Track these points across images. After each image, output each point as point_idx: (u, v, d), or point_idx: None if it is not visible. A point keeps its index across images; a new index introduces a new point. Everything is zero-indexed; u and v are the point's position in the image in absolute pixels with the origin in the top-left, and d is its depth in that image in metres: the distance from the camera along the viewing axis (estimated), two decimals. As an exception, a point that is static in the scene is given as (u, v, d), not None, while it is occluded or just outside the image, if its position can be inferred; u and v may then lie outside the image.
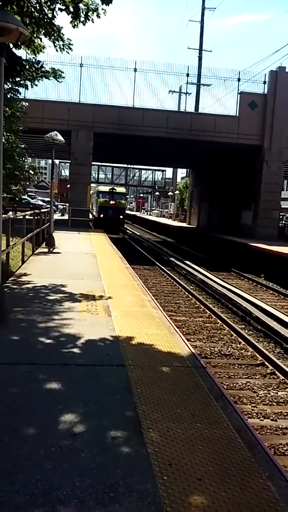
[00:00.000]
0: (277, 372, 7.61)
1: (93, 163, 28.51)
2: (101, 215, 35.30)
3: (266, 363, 8.05)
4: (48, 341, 5.27)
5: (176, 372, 4.53)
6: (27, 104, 15.19)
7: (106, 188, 38.65)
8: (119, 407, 3.70)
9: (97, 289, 8.46)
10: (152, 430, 3.31)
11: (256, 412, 6.11)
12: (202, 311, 11.85)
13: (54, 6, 10.40)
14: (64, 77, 14.82)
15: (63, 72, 13.99)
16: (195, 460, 2.98)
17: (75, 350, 5.02)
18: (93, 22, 10.34)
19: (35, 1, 10.39)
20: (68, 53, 11.80)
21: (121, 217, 36.44)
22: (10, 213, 12.56)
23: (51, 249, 14.42)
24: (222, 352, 8.51)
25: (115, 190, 37.55)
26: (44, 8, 10.44)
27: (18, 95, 14.77)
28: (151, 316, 6.78)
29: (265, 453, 3.21)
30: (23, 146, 16.52)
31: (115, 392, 3.98)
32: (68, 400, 3.75)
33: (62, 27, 11.07)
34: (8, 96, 13.86)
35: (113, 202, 35.58)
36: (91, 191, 33.80)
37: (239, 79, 25.73)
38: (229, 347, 8.90)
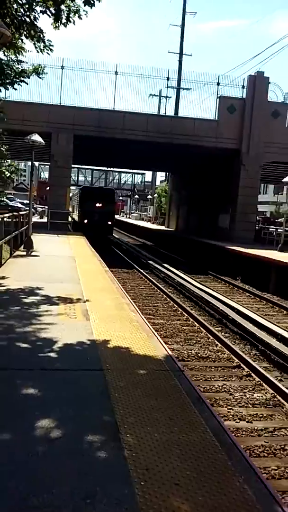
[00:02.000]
0: (253, 374, 7.70)
1: (73, 165, 28.38)
2: (85, 221, 29.92)
3: (242, 365, 8.13)
4: (25, 345, 5.22)
5: (154, 376, 4.55)
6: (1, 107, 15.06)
7: (91, 189, 34.79)
8: (96, 411, 3.69)
9: (76, 293, 8.42)
10: (129, 435, 3.31)
11: (232, 414, 6.17)
12: (179, 314, 11.90)
13: (35, 8, 10.37)
14: (46, 73, 14.72)
15: (44, 67, 13.88)
16: (172, 464, 2.99)
17: (53, 354, 5.00)
18: (74, 24, 10.33)
19: (16, 4, 10.34)
20: (48, 54, 11.77)
21: (109, 223, 30.60)
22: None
23: (30, 252, 14.30)
24: (199, 355, 8.56)
25: (103, 190, 33.19)
26: (26, 10, 10.40)
27: None
28: (129, 320, 6.78)
29: (242, 455, 3.25)
30: (3, 148, 16.36)
31: (93, 396, 3.97)
32: (45, 405, 3.72)
33: (43, 30, 11.04)
34: None
35: (100, 204, 30.10)
36: (72, 193, 33.27)
37: (218, 83, 25.98)
38: (206, 349, 8.96)
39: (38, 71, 13.56)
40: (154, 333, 6.32)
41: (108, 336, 5.78)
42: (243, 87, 25.83)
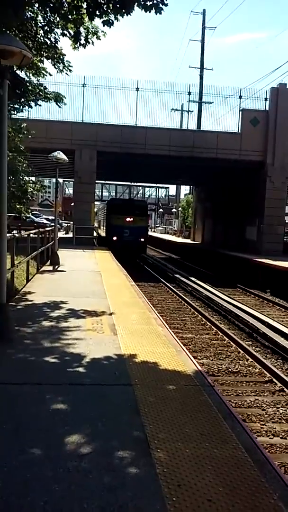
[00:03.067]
0: (285, 389, 7.53)
1: (96, 181, 28.68)
2: (114, 238, 26.62)
3: (274, 380, 7.97)
4: (54, 360, 5.24)
5: (183, 391, 4.49)
6: (25, 124, 15.41)
7: (120, 201, 31.91)
8: (126, 427, 3.65)
9: (102, 307, 8.43)
10: (160, 450, 3.26)
11: (265, 430, 6.03)
12: (208, 328, 11.78)
13: (55, 30, 10.61)
14: (65, 104, 15.02)
15: (65, 97, 14.21)
16: (204, 480, 2.93)
17: (81, 369, 4.99)
18: (93, 44, 10.51)
19: (36, 26, 10.61)
20: (67, 74, 12.04)
21: (142, 240, 27.29)
22: (15, 231, 12.61)
23: (56, 267, 14.44)
24: (230, 370, 8.43)
25: (134, 202, 30.07)
26: (46, 32, 10.65)
27: (14, 113, 14.92)
28: (157, 334, 6.74)
29: (275, 472, 3.16)
30: (25, 164, 16.68)
31: (122, 411, 3.94)
32: (74, 421, 3.71)
33: (64, 53, 11.30)
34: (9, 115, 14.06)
35: (131, 219, 26.95)
36: (97, 208, 33.05)
37: (240, 96, 26.05)
38: (237, 364, 8.82)
39: (57, 99, 13.84)
40: (182, 348, 6.26)
41: (136, 350, 5.75)
42: (265, 99, 25.84)
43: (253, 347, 10.12)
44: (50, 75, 13.09)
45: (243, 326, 12.11)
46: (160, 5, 7.87)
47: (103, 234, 29.24)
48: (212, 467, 3.09)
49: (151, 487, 2.82)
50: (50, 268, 14.33)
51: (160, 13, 7.94)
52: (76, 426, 3.59)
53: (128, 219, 26.81)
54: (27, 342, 5.98)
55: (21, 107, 13.91)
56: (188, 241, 40.19)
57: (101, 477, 2.90)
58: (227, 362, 8.92)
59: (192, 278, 20.05)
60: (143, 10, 7.92)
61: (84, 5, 8.82)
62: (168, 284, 18.63)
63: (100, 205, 43.10)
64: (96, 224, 36.66)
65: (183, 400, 4.25)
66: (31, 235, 12.78)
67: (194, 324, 12.18)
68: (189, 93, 27.11)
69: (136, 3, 7.89)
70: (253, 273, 20.96)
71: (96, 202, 31.59)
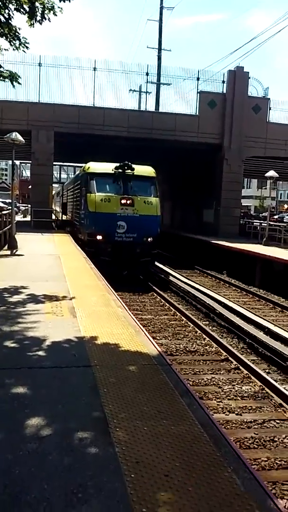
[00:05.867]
0: (241, 367, 7.79)
1: (54, 163, 28.19)
2: (98, 236, 15.65)
3: (230, 358, 8.22)
4: (13, 344, 5.21)
5: (142, 371, 4.57)
6: None
7: (107, 167, 16.52)
8: (86, 408, 3.71)
9: (62, 291, 8.41)
10: (119, 429, 3.34)
11: (221, 407, 6.24)
12: (167, 309, 11.96)
13: (8, 5, 10.25)
14: (20, 84, 14.64)
15: (19, 77, 13.85)
16: (161, 456, 3.03)
17: (41, 352, 4.99)
18: (49, 21, 10.24)
19: None
20: (24, 51, 11.66)
21: (149, 240, 16.22)
22: None
23: (14, 251, 14.22)
24: (187, 349, 8.63)
25: (131, 170, 16.28)
26: (0, 8, 10.28)
27: None
28: (116, 316, 6.80)
29: (230, 447, 3.29)
30: None
31: (82, 393, 3.98)
32: (34, 404, 3.73)
33: (19, 28, 10.94)
34: None
35: (129, 201, 15.90)
36: (55, 190, 30.86)
37: (198, 78, 26.03)
38: (194, 343, 9.03)
39: (13, 78, 13.45)
40: (141, 329, 6.34)
41: (95, 332, 5.79)
42: (223, 82, 25.97)
43: (210, 327, 10.37)
44: (6, 50, 12.68)
45: (200, 307, 12.36)
46: None
47: (80, 233, 18.47)
48: (169, 444, 3.19)
49: (110, 466, 2.89)
50: (8, 252, 14.09)
51: None
52: (36, 409, 3.61)
53: (123, 201, 15.85)
54: (-15, 327, 5.91)
55: None
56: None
57: (61, 458, 2.95)
58: (185, 341, 9.12)
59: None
60: None
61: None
62: (127, 267, 18.59)
63: (58, 187, 42.35)
64: (58, 209, 35.71)
65: (142, 379, 4.33)
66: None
67: (153, 305, 12.33)
68: (147, 74, 26.87)
69: None
70: (210, 254, 21.31)
71: (54, 185, 30.68)
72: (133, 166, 16.28)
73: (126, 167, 16.15)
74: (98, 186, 16.22)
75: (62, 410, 3.64)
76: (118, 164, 16.21)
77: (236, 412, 6.13)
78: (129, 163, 16.23)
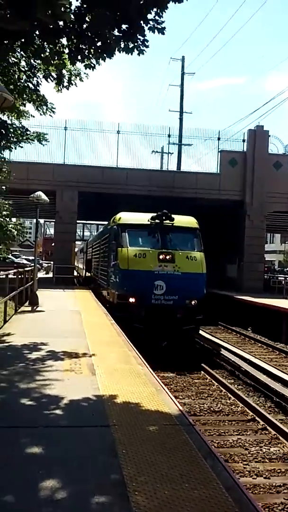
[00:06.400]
0: (268, 427, 7.42)
1: (78, 221, 28.81)
2: (131, 299, 13.23)
3: (257, 418, 7.86)
4: (30, 402, 5.08)
5: (163, 431, 4.37)
6: (7, 168, 15.51)
7: (141, 218, 14.60)
8: (103, 469, 3.52)
9: (81, 347, 8.28)
10: (138, 493, 3.13)
11: (248, 470, 5.89)
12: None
13: (37, 73, 10.86)
14: (48, 141, 15.34)
15: (46, 134, 14.47)
16: (183, 524, 2.81)
17: (58, 411, 4.84)
18: (76, 86, 10.77)
19: (19, 71, 10.85)
20: (51, 116, 12.25)
21: (193, 302, 13.87)
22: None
23: (35, 307, 14.24)
24: (212, 409, 8.30)
25: (170, 220, 14.36)
26: (28, 76, 10.90)
27: None
28: (137, 373, 6.61)
29: (258, 513, 3.05)
30: (6, 205, 16.71)
31: (99, 454, 3.80)
32: (50, 464, 3.56)
33: (43, 94, 11.54)
34: None
35: (169, 256, 13.59)
36: (77, 247, 31.41)
37: (219, 138, 26.77)
38: (219, 403, 8.70)
39: (40, 138, 14.11)
40: (163, 387, 6.13)
41: (114, 391, 5.61)
42: (243, 141, 26.64)
43: (235, 385, 10.02)
44: (33, 116, 13.34)
45: (225, 364, 12.01)
46: (141, 47, 8.05)
47: (109, 296, 15.66)
48: (192, 509, 2.97)
49: (127, 533, 2.69)
50: (29, 308, 14.12)
51: (143, 53, 8.11)
52: (51, 470, 3.44)
53: (162, 256, 13.54)
54: (2, 383, 5.81)
55: (2, 149, 14.06)
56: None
57: (75, 523, 2.77)
58: (209, 401, 8.80)
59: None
60: (124, 52, 8.12)
61: (66, 50, 9.03)
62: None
63: (81, 244, 42.85)
64: (80, 266, 35.95)
65: (163, 440, 4.13)
66: (10, 275, 12.64)
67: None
68: (169, 136, 27.80)
69: (116, 48, 8.10)
70: (234, 310, 20.97)
71: (76, 242, 31.06)
72: (173, 216, 14.28)
73: (164, 217, 14.01)
74: (131, 239, 13.88)
75: (78, 472, 3.46)
76: (154, 214, 14.18)
77: (264, 476, 5.76)
78: (168, 213, 14.16)
